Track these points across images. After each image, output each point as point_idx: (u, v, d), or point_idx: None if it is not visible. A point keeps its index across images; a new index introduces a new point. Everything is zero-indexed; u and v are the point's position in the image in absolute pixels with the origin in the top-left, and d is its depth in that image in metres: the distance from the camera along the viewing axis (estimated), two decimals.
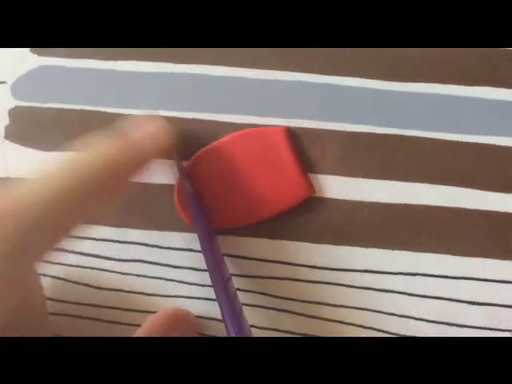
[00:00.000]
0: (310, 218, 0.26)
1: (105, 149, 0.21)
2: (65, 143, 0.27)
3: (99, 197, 0.21)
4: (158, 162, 0.26)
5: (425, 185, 0.25)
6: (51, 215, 0.19)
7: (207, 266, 0.23)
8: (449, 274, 0.25)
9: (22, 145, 0.27)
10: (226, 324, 0.21)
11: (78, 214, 0.20)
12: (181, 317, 0.26)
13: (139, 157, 0.22)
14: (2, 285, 0.17)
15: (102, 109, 0.27)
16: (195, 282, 0.27)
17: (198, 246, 0.26)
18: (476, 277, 0.25)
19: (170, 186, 0.26)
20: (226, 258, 0.26)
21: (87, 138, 0.21)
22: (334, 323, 0.25)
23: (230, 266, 0.26)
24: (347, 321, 0.25)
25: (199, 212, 0.24)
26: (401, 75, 0.25)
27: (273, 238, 0.26)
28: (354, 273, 0.25)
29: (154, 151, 0.23)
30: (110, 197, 0.22)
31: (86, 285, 0.26)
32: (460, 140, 0.25)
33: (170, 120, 0.26)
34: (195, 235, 0.26)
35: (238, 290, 0.26)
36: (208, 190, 0.26)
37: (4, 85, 0.27)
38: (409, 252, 0.25)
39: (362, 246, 0.25)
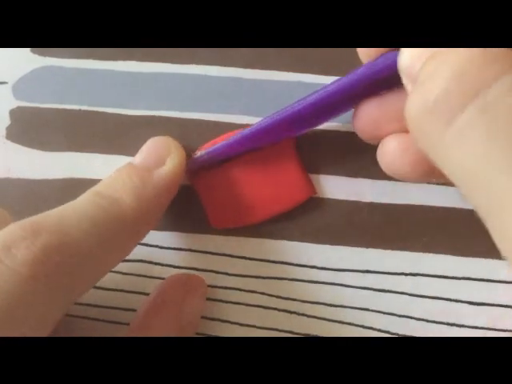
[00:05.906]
0: (310, 218, 0.26)
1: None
2: (65, 143, 0.27)
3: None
4: None
5: (425, 184, 0.25)
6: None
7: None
8: (449, 274, 0.25)
9: (23, 145, 0.27)
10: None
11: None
12: (195, 283, 0.25)
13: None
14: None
15: (102, 109, 0.27)
16: None
17: (197, 246, 0.26)
18: (476, 277, 0.25)
19: None
20: (225, 258, 0.26)
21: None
22: (333, 323, 0.25)
23: (231, 266, 0.26)
24: (347, 321, 0.25)
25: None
26: None
27: (273, 238, 0.26)
28: (354, 273, 0.25)
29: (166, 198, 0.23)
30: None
31: None
32: None
33: (170, 120, 0.26)
34: (195, 235, 0.26)
35: (239, 290, 0.26)
36: (208, 190, 0.26)
37: (5, 85, 0.27)
38: (409, 252, 0.25)
39: (361, 246, 0.25)
